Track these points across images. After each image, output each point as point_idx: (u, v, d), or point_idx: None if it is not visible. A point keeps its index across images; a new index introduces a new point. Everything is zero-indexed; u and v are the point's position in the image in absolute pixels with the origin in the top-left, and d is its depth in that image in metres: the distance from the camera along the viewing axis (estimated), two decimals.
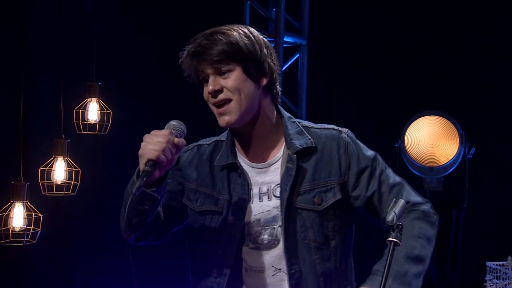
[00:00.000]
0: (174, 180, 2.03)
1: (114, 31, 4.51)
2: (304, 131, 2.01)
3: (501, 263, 3.59)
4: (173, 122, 1.84)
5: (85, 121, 3.84)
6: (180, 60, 1.94)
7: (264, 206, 1.96)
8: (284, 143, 1.98)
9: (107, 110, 3.89)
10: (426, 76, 4.56)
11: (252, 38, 1.91)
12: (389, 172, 2.01)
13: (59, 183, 3.66)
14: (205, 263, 1.98)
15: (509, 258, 3.61)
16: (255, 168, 1.98)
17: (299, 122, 2.05)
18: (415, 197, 2.00)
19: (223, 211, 1.95)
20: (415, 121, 4.22)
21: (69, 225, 4.46)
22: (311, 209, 1.92)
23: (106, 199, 3.70)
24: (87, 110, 3.86)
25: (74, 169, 3.68)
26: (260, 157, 1.99)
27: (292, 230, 1.91)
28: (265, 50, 1.94)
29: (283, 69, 4.44)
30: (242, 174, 1.96)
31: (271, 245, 1.94)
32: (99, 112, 3.88)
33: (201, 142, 2.10)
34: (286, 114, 2.05)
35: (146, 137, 1.77)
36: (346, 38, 4.68)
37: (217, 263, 1.95)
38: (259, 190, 1.97)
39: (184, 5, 4.72)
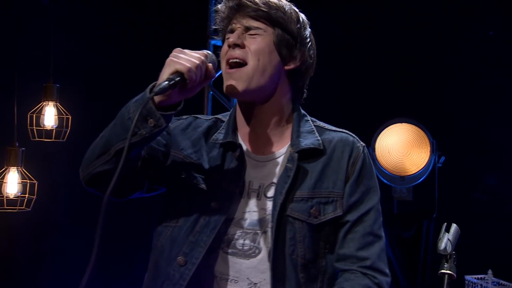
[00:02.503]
0: (159, 140, 1.74)
1: (73, 27, 4.24)
2: (315, 130, 1.78)
3: (480, 276, 3.53)
4: (206, 51, 1.64)
5: (41, 127, 3.61)
6: (217, 6, 1.76)
7: (251, 205, 1.68)
8: (290, 140, 1.74)
9: (66, 114, 3.67)
10: (394, 84, 4.49)
11: (301, 21, 1.77)
12: (378, 217, 1.73)
13: (11, 197, 3.37)
14: (172, 247, 1.67)
15: (489, 271, 3.54)
16: (252, 159, 1.73)
17: (314, 121, 1.82)
18: (382, 263, 1.69)
19: (209, 192, 1.68)
20: (386, 129, 4.18)
21: (23, 243, 4.10)
22: (305, 220, 1.65)
23: (65, 214, 3.42)
24: (43, 114, 3.62)
25: (29, 181, 3.43)
26: (260, 148, 1.74)
27: (280, 242, 1.63)
28: (308, 40, 1.78)
29: None
30: (240, 159, 1.71)
31: (251, 253, 1.66)
32: (56, 117, 3.65)
33: (198, 115, 1.86)
34: (301, 111, 1.82)
35: (179, 51, 1.57)
36: (317, 43, 4.54)
37: (186, 249, 1.65)
38: (249, 184, 1.70)
39: (147, 3, 4.52)
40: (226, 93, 1.68)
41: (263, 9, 1.69)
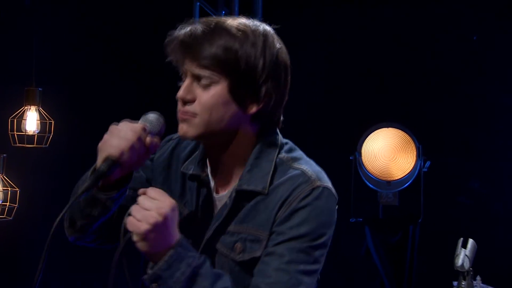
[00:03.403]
0: (142, 175, 1.68)
1: (56, 29, 4.16)
2: (270, 172, 1.56)
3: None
4: (151, 115, 1.53)
5: (23, 132, 3.53)
6: (166, 40, 1.56)
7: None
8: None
9: (48, 119, 3.58)
10: (380, 89, 4.49)
11: (261, 47, 1.50)
12: (306, 262, 1.50)
13: None
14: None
15: (478, 277, 3.53)
16: (215, 195, 1.63)
17: (281, 155, 1.60)
18: None
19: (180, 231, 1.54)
20: (372, 133, 4.19)
21: (3, 253, 3.99)
22: (228, 255, 1.55)
23: (47, 223, 3.30)
24: (25, 119, 3.54)
25: (10, 188, 3.36)
26: (223, 185, 1.62)
27: None
28: (272, 67, 1.52)
29: None
30: (208, 196, 1.61)
31: None
32: (38, 121, 3.56)
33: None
34: (269, 144, 1.59)
35: (113, 128, 1.46)
36: (300, 47, 4.52)
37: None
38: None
39: (131, 5, 4.46)
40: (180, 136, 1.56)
41: (212, 55, 1.47)
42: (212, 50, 1.47)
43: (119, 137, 1.43)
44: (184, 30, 1.52)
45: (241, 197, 1.55)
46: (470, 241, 1.46)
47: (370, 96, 4.44)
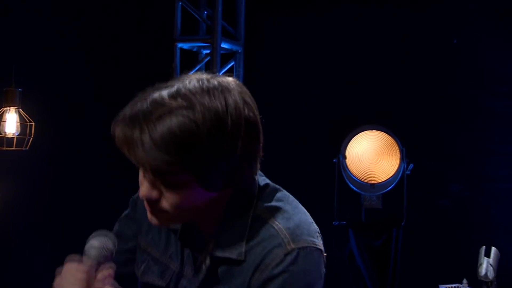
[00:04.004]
0: (128, 233, 1.56)
1: (36, 29, 4.11)
2: (245, 235, 1.39)
3: (454, 285, 3.53)
4: (93, 246, 1.39)
5: (1, 134, 3.49)
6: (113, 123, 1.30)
7: None
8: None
9: (29, 121, 3.53)
10: (364, 92, 4.49)
11: (222, 120, 1.25)
12: None
13: None
14: None
15: (464, 281, 3.54)
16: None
17: (260, 210, 1.41)
18: None
19: (168, 286, 1.48)
20: (356, 136, 4.20)
21: None
22: None
23: (28, 228, 3.24)
24: (4, 121, 3.50)
25: None
26: (197, 244, 1.47)
27: None
28: (241, 140, 1.29)
29: None
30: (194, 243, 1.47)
31: None
32: (18, 123, 3.52)
33: None
34: (244, 203, 1.42)
35: (64, 272, 1.37)
36: (281, 49, 4.51)
37: None
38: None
39: (112, 5, 4.41)
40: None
41: (166, 166, 1.25)
42: (162, 154, 1.25)
43: (72, 280, 1.34)
44: (120, 118, 1.28)
45: (216, 261, 1.40)
46: (493, 249, 1.42)
47: (354, 99, 4.44)
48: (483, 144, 4.37)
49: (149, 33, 4.30)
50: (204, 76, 1.30)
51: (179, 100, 1.24)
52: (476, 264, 3.90)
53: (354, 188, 4.13)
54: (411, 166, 4.18)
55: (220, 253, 1.39)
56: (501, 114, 4.36)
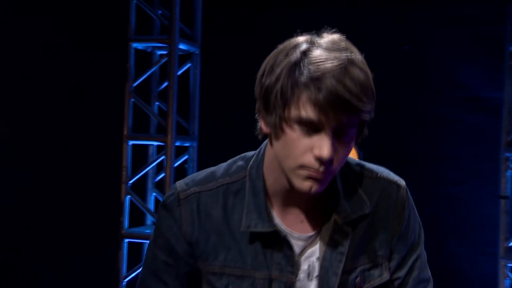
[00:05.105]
0: (183, 267, 1.46)
1: None
2: (356, 186, 1.46)
3: None
4: None
5: None
6: (287, 91, 1.37)
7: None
8: (330, 204, 1.44)
9: None
10: None
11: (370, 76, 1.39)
12: (424, 257, 1.55)
13: None
14: None
15: None
16: (297, 239, 1.44)
17: (352, 168, 1.48)
18: None
19: None
20: None
21: None
22: None
23: None
24: None
25: None
26: (303, 224, 1.44)
27: None
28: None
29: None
30: (285, 243, 1.42)
31: None
32: None
33: (197, 185, 1.45)
34: (345, 167, 1.47)
35: None
36: (243, 47, 4.43)
37: None
38: (299, 267, 1.46)
39: (67, 1, 4.27)
40: (301, 191, 1.35)
41: (363, 99, 1.31)
42: (369, 95, 1.33)
43: None
44: (329, 84, 1.29)
45: (348, 224, 1.42)
46: None
47: None
48: (435, 148, 4.43)
49: (103, 32, 4.15)
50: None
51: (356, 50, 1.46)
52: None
53: None
54: None
55: (353, 214, 1.43)
56: (451, 120, 4.43)
